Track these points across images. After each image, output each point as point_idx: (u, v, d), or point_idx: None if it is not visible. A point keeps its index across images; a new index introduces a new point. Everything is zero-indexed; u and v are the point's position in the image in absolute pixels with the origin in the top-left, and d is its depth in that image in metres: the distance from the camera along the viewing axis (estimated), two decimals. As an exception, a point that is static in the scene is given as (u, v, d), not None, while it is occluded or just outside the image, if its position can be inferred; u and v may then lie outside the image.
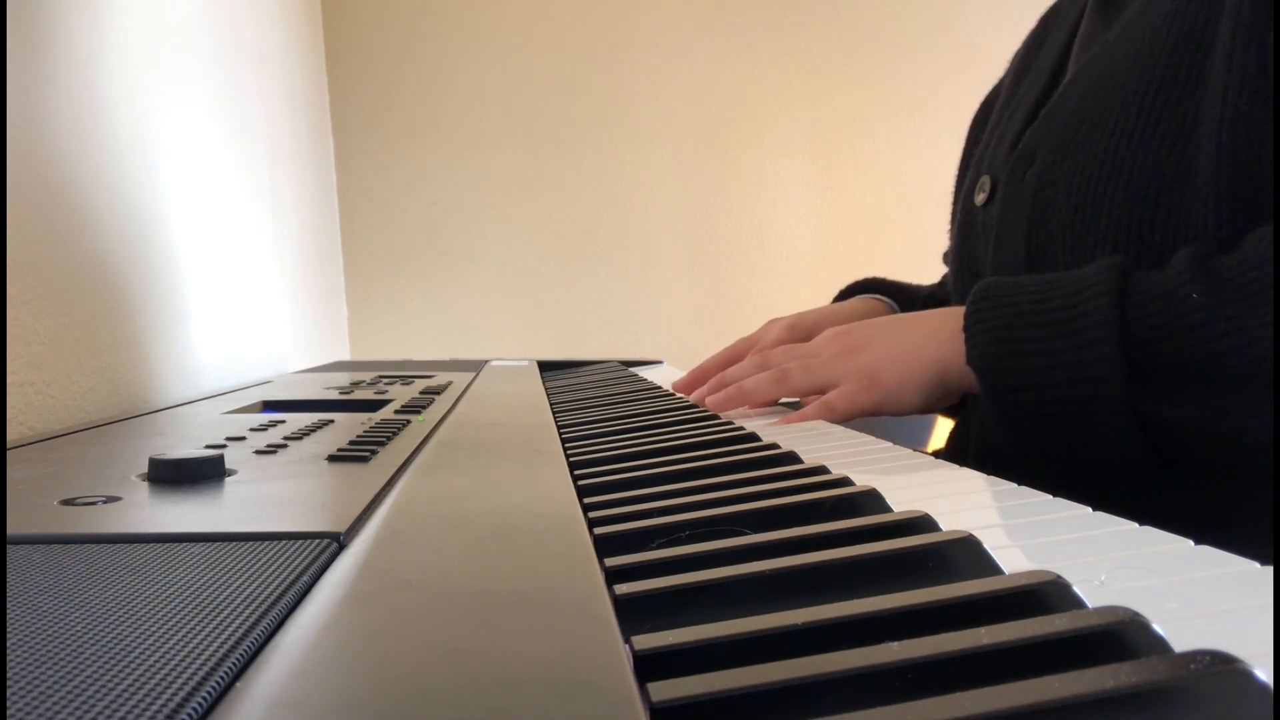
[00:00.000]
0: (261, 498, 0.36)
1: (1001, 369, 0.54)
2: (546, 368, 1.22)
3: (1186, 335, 0.48)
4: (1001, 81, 0.85)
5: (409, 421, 0.59)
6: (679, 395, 0.78)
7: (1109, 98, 0.59)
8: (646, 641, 0.22)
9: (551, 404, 0.78)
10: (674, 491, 0.39)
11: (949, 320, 0.60)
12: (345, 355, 1.86)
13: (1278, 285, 0.46)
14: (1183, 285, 0.49)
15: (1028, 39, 0.81)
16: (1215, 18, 0.54)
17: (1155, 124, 0.55)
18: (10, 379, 0.60)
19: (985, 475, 0.40)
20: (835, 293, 0.95)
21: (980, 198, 0.71)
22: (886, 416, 0.64)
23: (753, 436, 0.53)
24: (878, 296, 0.88)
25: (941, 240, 0.94)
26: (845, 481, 0.38)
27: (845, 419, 0.62)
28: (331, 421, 0.59)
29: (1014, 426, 0.55)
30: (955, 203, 0.84)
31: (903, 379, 0.60)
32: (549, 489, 0.39)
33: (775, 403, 0.70)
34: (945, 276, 1.00)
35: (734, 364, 0.78)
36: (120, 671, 0.19)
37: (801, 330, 0.80)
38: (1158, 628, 0.20)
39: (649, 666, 0.21)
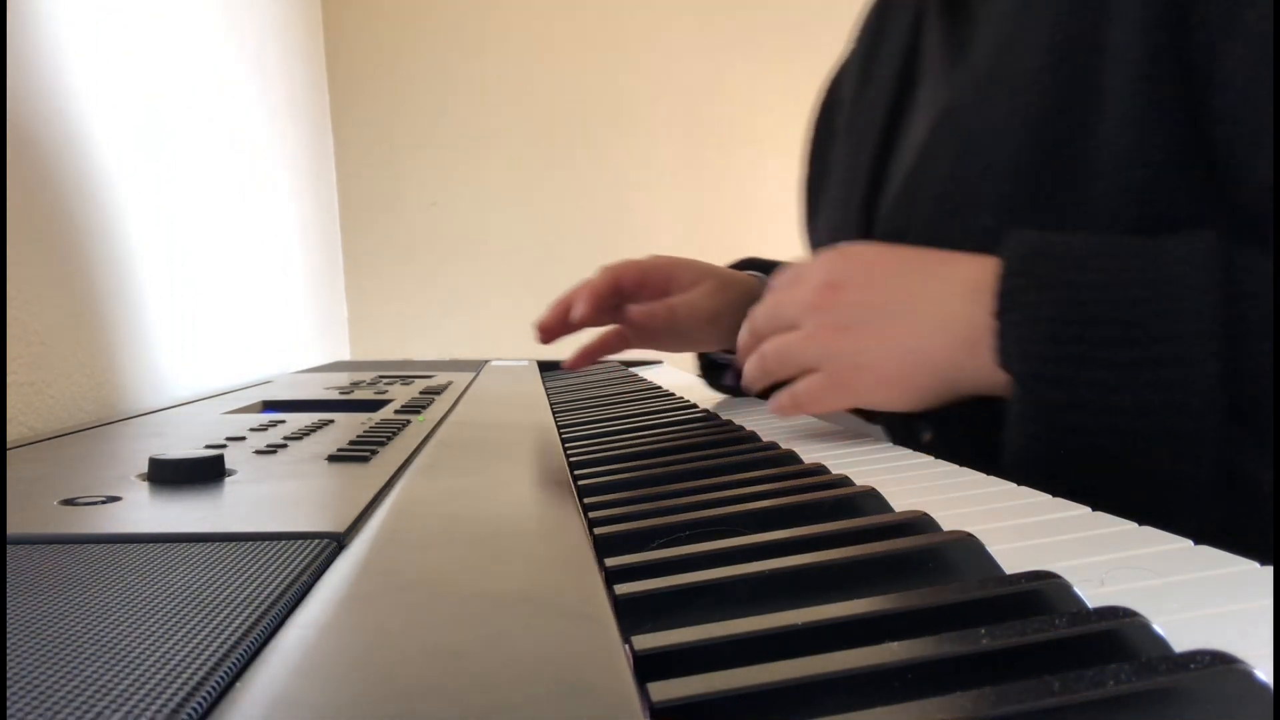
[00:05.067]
0: (261, 498, 0.36)
1: (1053, 379, 0.41)
2: (546, 368, 1.22)
3: None
4: (845, 68, 0.77)
5: (409, 421, 0.59)
6: (679, 396, 0.78)
7: (981, 173, 0.51)
8: (646, 641, 0.22)
9: (551, 404, 0.78)
10: (674, 491, 0.39)
11: (968, 297, 0.45)
12: (345, 355, 1.86)
13: (1277, 295, 0.44)
14: None
15: (864, 30, 0.73)
16: (1099, 59, 0.47)
17: (1045, 197, 0.49)
18: (10, 379, 0.60)
19: (985, 475, 0.40)
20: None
21: None
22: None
23: (753, 436, 0.53)
24: (755, 275, 0.77)
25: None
26: (845, 481, 0.38)
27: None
28: (331, 421, 0.59)
29: (1052, 449, 0.42)
30: (807, 220, 0.79)
31: (889, 379, 0.48)
32: (549, 489, 0.39)
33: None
34: None
35: (571, 307, 0.76)
36: (120, 671, 0.19)
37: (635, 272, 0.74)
38: (1158, 628, 0.20)
39: (649, 666, 0.21)
